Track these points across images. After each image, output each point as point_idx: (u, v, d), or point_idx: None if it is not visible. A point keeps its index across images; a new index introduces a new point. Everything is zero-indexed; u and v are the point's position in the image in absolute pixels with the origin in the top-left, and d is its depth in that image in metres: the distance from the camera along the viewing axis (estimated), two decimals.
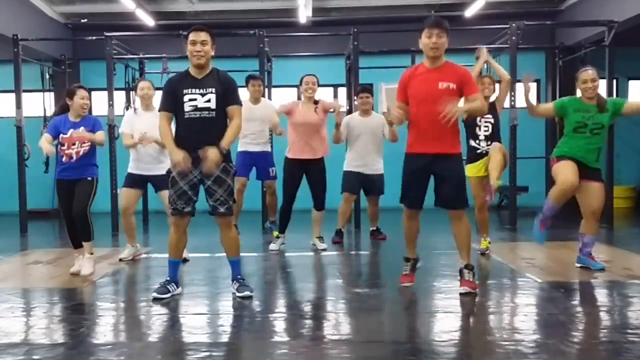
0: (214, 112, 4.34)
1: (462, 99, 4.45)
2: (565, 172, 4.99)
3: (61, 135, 5.34)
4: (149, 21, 10.68)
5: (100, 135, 5.40)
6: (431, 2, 10.90)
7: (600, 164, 5.22)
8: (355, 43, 8.60)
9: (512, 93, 8.25)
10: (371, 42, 9.49)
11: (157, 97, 6.20)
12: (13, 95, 8.96)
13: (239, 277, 4.58)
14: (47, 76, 10.46)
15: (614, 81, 8.88)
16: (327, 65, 11.06)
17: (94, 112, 11.73)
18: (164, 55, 9.59)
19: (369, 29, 9.67)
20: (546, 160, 10.60)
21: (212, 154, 4.21)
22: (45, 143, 5.26)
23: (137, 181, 6.00)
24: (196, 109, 4.33)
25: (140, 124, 5.94)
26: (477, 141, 5.92)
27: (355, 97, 7.34)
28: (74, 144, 5.31)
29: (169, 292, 4.48)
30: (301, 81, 6.44)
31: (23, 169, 8.86)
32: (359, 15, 11.10)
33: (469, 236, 4.59)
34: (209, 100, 4.33)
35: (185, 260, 5.83)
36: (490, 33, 9.57)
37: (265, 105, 7.19)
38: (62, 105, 5.48)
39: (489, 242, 6.16)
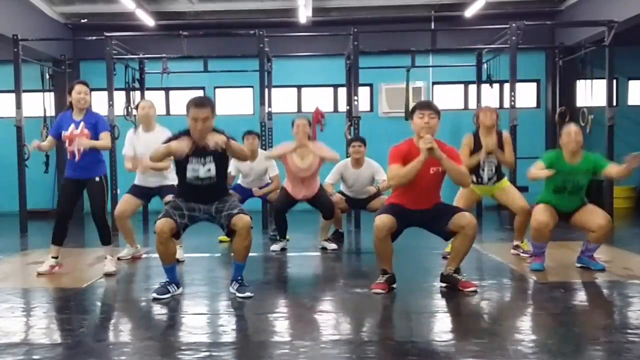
0: (214, 179, 4.49)
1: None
2: (539, 213, 5.17)
3: (62, 132, 5.34)
4: (149, 21, 10.67)
5: (104, 140, 5.32)
6: (431, 2, 10.90)
7: (586, 201, 5.29)
8: (355, 43, 8.59)
9: (512, 94, 8.25)
10: (371, 42, 9.50)
11: (156, 99, 6.26)
12: (13, 95, 8.95)
13: (239, 278, 4.58)
14: (47, 76, 10.45)
15: (614, 81, 8.89)
16: (327, 65, 11.09)
17: None
18: (164, 55, 9.59)
19: (369, 29, 9.67)
20: None
21: (216, 136, 4.31)
22: (40, 142, 5.40)
23: (141, 193, 6.00)
24: (197, 178, 4.46)
25: (141, 146, 5.86)
26: (479, 179, 5.92)
27: (348, 146, 7.37)
28: (74, 141, 5.29)
29: (169, 292, 4.49)
30: (293, 123, 6.43)
31: (23, 169, 8.86)
32: (359, 15, 11.09)
33: (469, 250, 4.65)
34: (209, 170, 4.45)
35: (179, 261, 5.85)
36: (490, 33, 9.57)
37: (261, 160, 7.13)
38: (70, 101, 5.48)
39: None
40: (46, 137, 9.71)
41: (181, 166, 4.51)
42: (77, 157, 5.29)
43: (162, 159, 4.60)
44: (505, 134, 6.08)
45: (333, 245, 6.60)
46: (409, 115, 4.67)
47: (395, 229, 4.51)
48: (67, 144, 5.32)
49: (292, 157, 6.38)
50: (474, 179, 5.89)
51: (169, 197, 5.74)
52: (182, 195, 4.59)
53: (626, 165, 4.91)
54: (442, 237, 4.68)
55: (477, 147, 5.83)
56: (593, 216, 5.15)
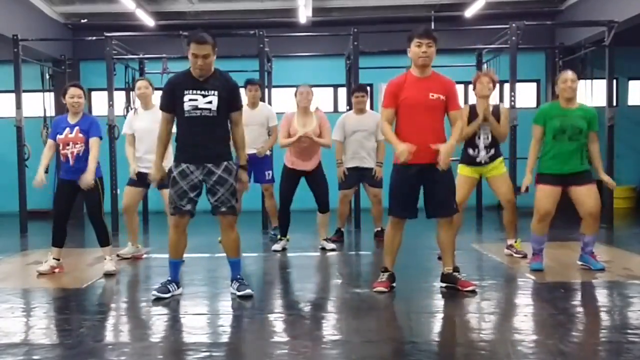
0: (215, 112, 4.33)
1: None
2: (541, 200, 5.20)
3: (57, 136, 5.35)
4: (149, 21, 10.67)
5: (93, 151, 5.23)
6: (431, 2, 10.90)
7: (587, 166, 5.25)
8: (355, 43, 8.60)
9: (512, 93, 8.25)
10: (371, 42, 9.49)
11: (156, 96, 6.28)
12: (13, 95, 8.96)
13: (238, 277, 4.58)
14: (47, 76, 10.44)
15: (614, 81, 8.88)
16: (327, 66, 11.08)
17: (94, 112, 11.77)
18: (164, 55, 9.59)
19: (369, 29, 9.66)
20: None
21: (242, 177, 4.48)
22: (41, 170, 5.38)
23: (139, 179, 6.02)
24: (196, 108, 4.31)
25: (140, 123, 6.00)
26: (477, 150, 5.82)
27: (351, 96, 7.35)
28: (68, 145, 5.30)
29: (170, 292, 4.48)
30: (296, 92, 6.44)
31: (23, 169, 8.86)
32: (359, 16, 11.09)
33: (454, 240, 4.66)
34: (210, 102, 4.31)
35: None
36: (490, 33, 9.56)
37: (263, 110, 7.15)
38: (64, 104, 5.49)
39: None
40: (46, 137, 9.77)
41: (180, 105, 4.33)
42: (71, 162, 5.31)
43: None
44: (503, 106, 6.08)
45: (332, 245, 6.60)
46: (407, 39, 4.59)
47: (409, 206, 4.55)
48: (61, 147, 5.34)
49: (294, 124, 6.36)
50: (470, 151, 5.82)
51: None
52: (180, 150, 4.43)
53: (603, 177, 5.14)
54: (425, 211, 4.62)
55: (473, 118, 5.82)
56: (587, 199, 5.12)
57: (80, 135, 5.28)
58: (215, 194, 4.38)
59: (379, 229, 7.28)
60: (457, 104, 4.54)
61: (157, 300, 4.38)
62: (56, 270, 5.46)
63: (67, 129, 5.32)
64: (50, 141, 5.46)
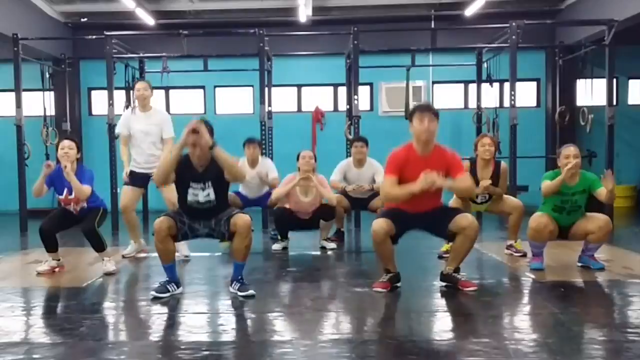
0: (214, 203, 4.52)
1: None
2: (539, 215, 5.19)
3: (57, 195, 5.44)
4: (149, 20, 10.67)
5: (84, 189, 5.26)
6: (431, 1, 10.90)
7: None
8: (355, 42, 8.59)
9: (512, 93, 8.25)
10: (371, 41, 9.50)
11: (155, 98, 6.28)
12: (13, 94, 8.96)
13: (239, 277, 4.58)
14: (47, 75, 10.42)
15: (614, 80, 8.89)
16: (327, 65, 11.09)
17: (94, 112, 11.78)
18: (164, 54, 9.58)
19: (369, 28, 9.67)
20: (546, 159, 10.63)
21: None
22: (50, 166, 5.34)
23: (138, 179, 6.02)
24: (198, 202, 4.50)
25: (138, 125, 5.99)
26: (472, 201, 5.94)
27: (350, 146, 7.39)
28: (69, 204, 5.41)
29: (168, 291, 4.49)
30: (298, 155, 6.49)
31: (23, 169, 8.86)
32: (359, 15, 11.09)
33: (469, 250, 4.61)
34: (208, 194, 4.49)
35: (186, 259, 5.88)
36: (491, 32, 9.57)
37: (262, 166, 7.20)
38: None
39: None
40: (46, 136, 9.79)
41: (182, 190, 4.54)
42: (75, 213, 5.43)
43: (174, 164, 4.44)
44: (503, 165, 6.03)
45: (332, 245, 6.63)
46: (408, 116, 4.63)
47: (395, 232, 4.50)
48: (63, 203, 5.45)
49: (295, 192, 6.42)
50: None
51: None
52: (183, 212, 4.62)
53: (605, 185, 4.96)
54: (444, 239, 4.69)
55: (472, 175, 5.72)
56: (591, 221, 5.16)
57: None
58: (221, 219, 4.52)
59: None
60: (460, 170, 4.50)
61: (156, 300, 4.39)
62: (56, 269, 5.46)
63: (66, 191, 5.36)
64: (44, 186, 5.39)
